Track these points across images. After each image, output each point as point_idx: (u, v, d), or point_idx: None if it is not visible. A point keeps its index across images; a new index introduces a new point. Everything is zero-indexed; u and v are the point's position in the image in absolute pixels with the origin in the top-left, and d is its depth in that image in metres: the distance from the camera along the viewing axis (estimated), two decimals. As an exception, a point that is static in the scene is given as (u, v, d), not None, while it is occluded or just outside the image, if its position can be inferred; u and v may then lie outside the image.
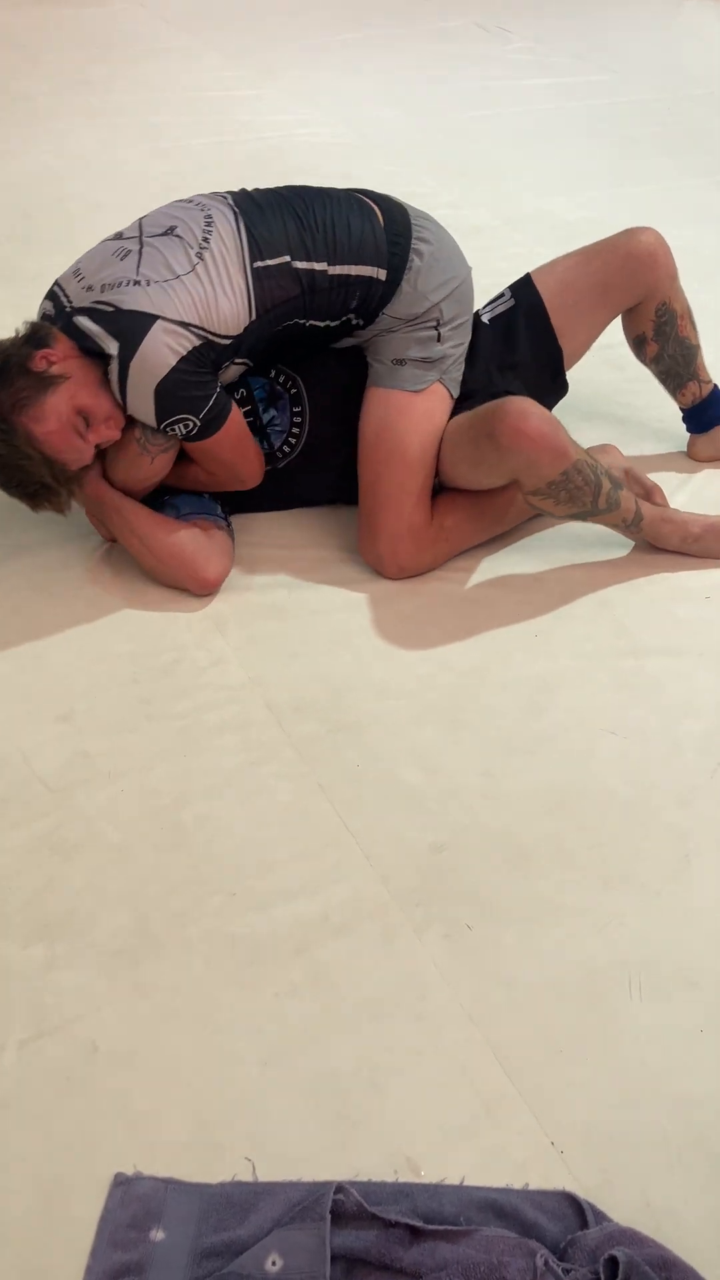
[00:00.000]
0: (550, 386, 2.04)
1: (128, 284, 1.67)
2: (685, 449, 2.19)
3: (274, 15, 5.42)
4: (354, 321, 1.81)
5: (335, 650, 1.75)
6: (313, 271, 1.73)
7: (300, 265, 1.72)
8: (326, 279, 1.74)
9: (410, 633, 1.78)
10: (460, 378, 1.88)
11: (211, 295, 1.67)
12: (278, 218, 1.74)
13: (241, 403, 1.88)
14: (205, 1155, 1.12)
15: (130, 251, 1.71)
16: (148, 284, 1.66)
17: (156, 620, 1.81)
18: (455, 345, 1.86)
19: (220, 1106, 1.17)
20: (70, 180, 3.48)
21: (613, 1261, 0.99)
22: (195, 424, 1.72)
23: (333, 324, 1.81)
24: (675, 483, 2.10)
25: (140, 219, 1.79)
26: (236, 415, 1.78)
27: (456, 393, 1.87)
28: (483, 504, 1.88)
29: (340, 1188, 1.05)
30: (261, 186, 1.84)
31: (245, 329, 1.71)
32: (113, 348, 1.65)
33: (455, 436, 1.81)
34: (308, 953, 1.31)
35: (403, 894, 1.37)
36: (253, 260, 1.70)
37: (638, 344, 2.05)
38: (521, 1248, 1.01)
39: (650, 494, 1.95)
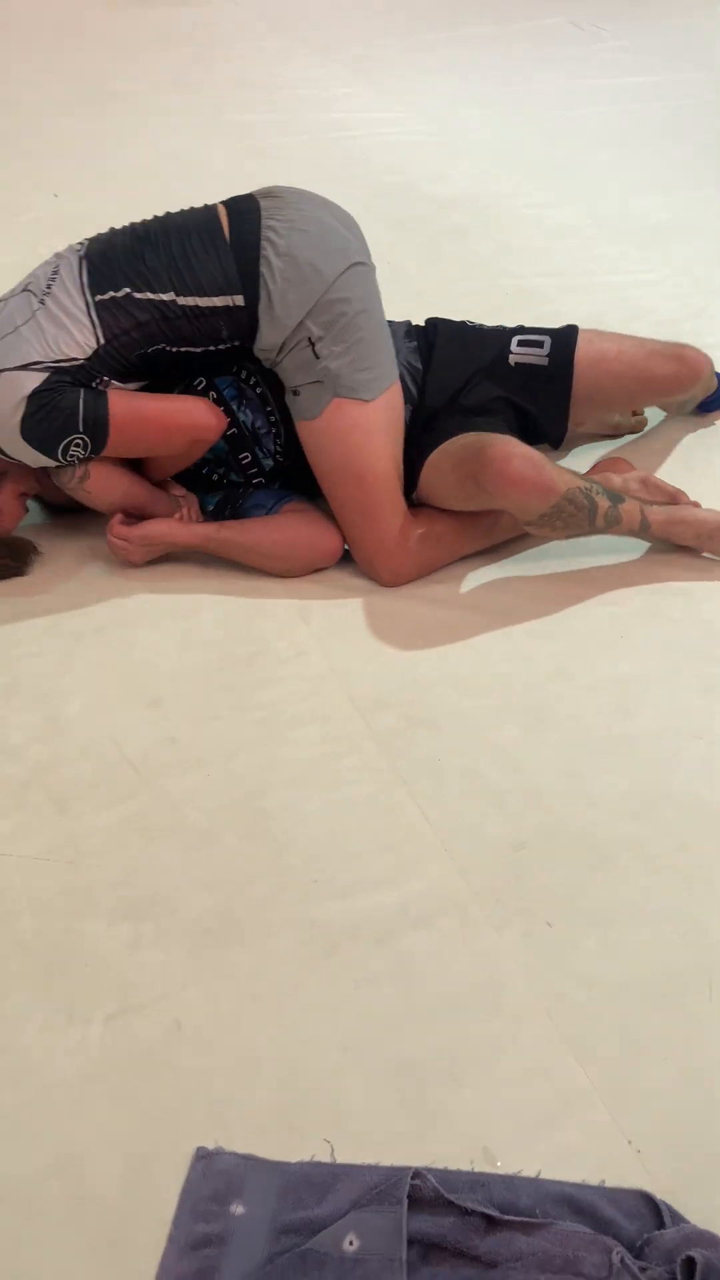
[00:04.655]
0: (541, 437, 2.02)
1: None
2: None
3: (367, 14, 5.44)
4: (242, 347, 1.81)
5: (417, 645, 1.76)
6: (159, 301, 1.75)
7: (142, 296, 1.75)
8: (178, 309, 1.75)
9: (493, 629, 1.78)
10: (367, 378, 1.79)
11: (51, 332, 1.74)
12: (124, 255, 1.78)
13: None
14: (284, 1135, 1.15)
15: None
16: None
17: (241, 609, 1.84)
18: (344, 350, 1.77)
19: (299, 1089, 1.19)
20: (165, 178, 3.52)
21: (689, 1262, 0.99)
22: (85, 439, 1.76)
23: (214, 348, 1.80)
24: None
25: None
26: (115, 397, 1.78)
27: (370, 393, 1.79)
28: (475, 514, 1.87)
29: (418, 1173, 1.06)
30: (137, 220, 1.88)
31: (94, 353, 1.75)
32: None
33: (441, 478, 1.81)
34: (388, 943, 1.32)
35: (483, 890, 1.38)
36: (93, 294, 1.75)
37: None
38: (597, 1244, 1.02)
39: (674, 500, 1.92)
